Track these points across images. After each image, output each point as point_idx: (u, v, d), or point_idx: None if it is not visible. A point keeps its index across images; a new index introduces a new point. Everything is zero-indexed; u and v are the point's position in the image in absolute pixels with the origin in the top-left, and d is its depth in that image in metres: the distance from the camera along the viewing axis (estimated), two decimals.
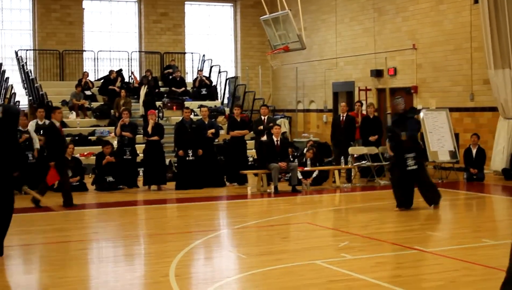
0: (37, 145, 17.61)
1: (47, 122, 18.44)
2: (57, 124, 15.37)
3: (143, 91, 25.38)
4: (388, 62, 24.86)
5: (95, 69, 29.27)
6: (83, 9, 29.28)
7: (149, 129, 18.12)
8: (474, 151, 19.31)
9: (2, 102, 23.86)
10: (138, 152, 19.38)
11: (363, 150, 19.03)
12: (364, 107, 21.66)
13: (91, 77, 27.98)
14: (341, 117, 19.49)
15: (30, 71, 26.54)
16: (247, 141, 20.04)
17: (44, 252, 10.73)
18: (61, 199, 15.15)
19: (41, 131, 18.03)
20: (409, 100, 23.81)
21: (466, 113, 21.81)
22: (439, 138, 19.89)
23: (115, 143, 19.38)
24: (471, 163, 19.21)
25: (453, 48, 22.19)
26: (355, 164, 19.09)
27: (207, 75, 29.43)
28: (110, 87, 26.50)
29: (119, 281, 8.74)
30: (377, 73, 25.11)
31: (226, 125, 20.99)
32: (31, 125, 18.12)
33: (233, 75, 30.86)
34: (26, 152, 17.30)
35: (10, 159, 10.11)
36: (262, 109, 19.99)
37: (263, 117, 19.59)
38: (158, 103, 25.86)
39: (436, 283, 8.28)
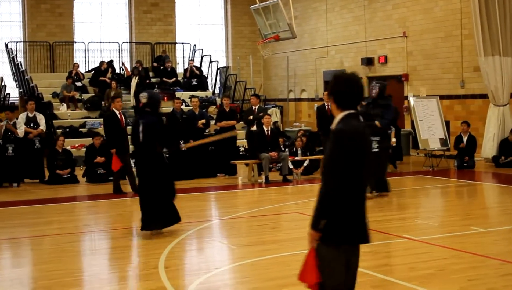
0: (21, 135, 17.64)
1: (37, 114, 18.43)
2: (117, 112, 15.65)
3: (134, 82, 25.34)
4: (379, 50, 24.87)
5: (85, 61, 29.20)
6: (73, 0, 29.17)
7: None
8: (465, 139, 19.33)
9: None
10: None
11: None
12: None
13: (82, 69, 27.92)
14: (327, 106, 19.41)
15: (21, 63, 26.48)
16: (237, 131, 20.00)
17: (34, 246, 10.74)
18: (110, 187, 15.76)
19: (31, 123, 18.02)
20: (399, 88, 23.84)
21: (457, 101, 21.85)
22: (429, 125, 19.93)
23: None
24: (462, 151, 19.23)
25: (444, 36, 22.20)
26: None
27: (198, 65, 29.38)
28: (101, 78, 26.44)
29: (109, 274, 8.76)
30: (368, 61, 25.13)
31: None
32: (21, 117, 18.06)
33: (224, 65, 30.83)
34: (7, 144, 17.32)
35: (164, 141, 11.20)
36: (252, 99, 19.91)
37: (253, 107, 19.55)
38: None
39: (425, 272, 8.31)
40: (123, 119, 15.85)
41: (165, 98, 26.15)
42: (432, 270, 8.36)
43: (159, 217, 10.78)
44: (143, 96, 11.05)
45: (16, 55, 27.11)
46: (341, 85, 5.46)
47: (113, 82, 25.11)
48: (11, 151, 17.42)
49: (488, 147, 19.79)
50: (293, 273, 8.46)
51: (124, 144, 15.52)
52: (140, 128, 10.91)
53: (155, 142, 10.90)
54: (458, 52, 21.72)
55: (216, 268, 8.83)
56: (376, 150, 13.74)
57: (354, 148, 5.18)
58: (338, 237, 5.24)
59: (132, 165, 15.16)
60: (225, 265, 9.12)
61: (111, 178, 17.87)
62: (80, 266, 9.41)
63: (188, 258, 9.81)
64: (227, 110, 19.14)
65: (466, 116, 21.29)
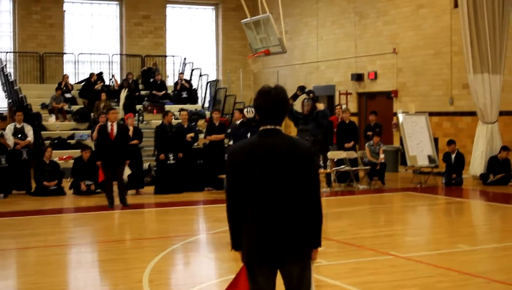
0: (11, 146, 17.56)
1: (25, 125, 18.36)
2: (109, 124, 15.63)
3: (123, 94, 25.27)
4: (369, 66, 24.92)
5: (75, 72, 29.16)
6: (64, 11, 29.18)
7: (130, 133, 17.99)
8: (453, 156, 19.33)
9: None
10: None
11: (342, 154, 19.01)
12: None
13: (72, 80, 27.87)
14: None
15: (10, 74, 26.41)
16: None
17: (19, 258, 10.66)
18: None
19: (19, 134, 17.95)
20: (389, 104, 23.88)
21: (446, 118, 21.90)
22: (418, 142, 19.94)
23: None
24: (450, 169, 19.23)
25: (433, 53, 22.28)
26: (334, 169, 19.05)
27: (188, 78, 29.36)
28: (95, 87, 26.39)
29: (94, 287, 8.70)
30: (358, 77, 25.18)
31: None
32: (9, 128, 17.97)
33: (214, 78, 30.82)
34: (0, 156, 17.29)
35: None
36: (236, 113, 19.71)
37: (237, 122, 19.43)
38: (138, 106, 25.75)
39: (411, 289, 8.28)
40: (114, 131, 15.71)
41: (155, 111, 26.12)
42: (418, 288, 8.33)
43: None
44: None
45: (5, 65, 27.03)
46: (259, 99, 5.14)
47: (102, 94, 25.02)
48: (4, 162, 17.35)
49: (476, 165, 19.79)
50: (279, 288, 8.42)
51: (114, 157, 15.44)
52: None
53: None
54: (447, 69, 21.78)
55: (202, 282, 8.77)
56: None
57: (232, 166, 5.02)
58: (242, 254, 5.17)
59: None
60: (211, 280, 9.06)
61: (98, 190, 17.85)
62: (65, 279, 9.34)
63: (173, 272, 9.75)
64: (217, 124, 19.04)
65: (455, 133, 21.34)
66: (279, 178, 4.97)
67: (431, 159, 19.81)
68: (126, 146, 16.18)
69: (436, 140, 20.74)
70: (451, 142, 19.52)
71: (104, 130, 15.53)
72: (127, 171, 16.17)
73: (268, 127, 5.11)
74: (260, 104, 5.10)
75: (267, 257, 5.04)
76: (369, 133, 20.14)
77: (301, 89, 14.10)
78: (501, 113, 19.80)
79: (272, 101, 5.09)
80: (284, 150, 5.04)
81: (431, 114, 21.56)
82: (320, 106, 13.38)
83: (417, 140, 19.95)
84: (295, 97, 14.24)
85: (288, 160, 5.01)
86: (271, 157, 5.00)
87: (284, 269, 5.14)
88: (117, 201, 15.66)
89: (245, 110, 11.22)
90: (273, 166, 4.99)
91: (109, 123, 15.56)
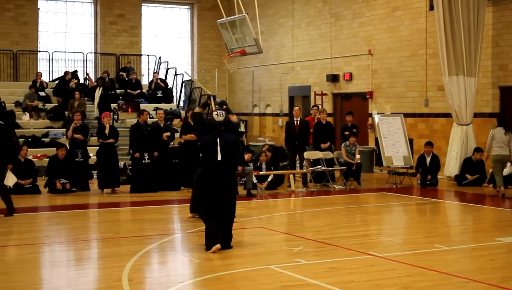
0: None
1: None
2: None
3: (98, 92, 25.15)
4: (344, 67, 25.00)
5: (49, 70, 28.97)
6: (39, 9, 28.98)
7: (107, 131, 17.91)
8: (428, 159, 19.41)
9: None
10: (91, 154, 19.26)
11: (318, 154, 19.06)
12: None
13: (46, 78, 27.69)
14: (295, 122, 19.44)
15: None
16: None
17: None
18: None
19: None
20: (364, 105, 23.98)
21: (421, 119, 22.03)
22: (393, 143, 20.05)
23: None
24: (426, 170, 19.33)
25: (409, 54, 22.40)
26: (310, 169, 19.09)
27: (163, 78, 29.28)
28: (68, 86, 26.21)
29: (71, 286, 8.63)
30: (333, 78, 25.26)
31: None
32: None
33: (189, 78, 30.75)
34: None
35: None
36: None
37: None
38: (113, 105, 25.63)
39: (389, 289, 8.30)
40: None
41: (129, 109, 26.03)
42: (396, 287, 8.36)
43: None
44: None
45: None
46: None
47: (76, 92, 24.84)
48: None
49: (451, 166, 19.93)
50: (258, 288, 8.44)
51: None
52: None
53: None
54: (422, 71, 21.92)
55: (180, 282, 8.74)
56: None
57: None
58: None
59: None
60: (189, 279, 9.03)
61: (74, 189, 17.76)
62: (41, 278, 9.25)
63: (152, 271, 9.70)
64: (192, 123, 18.99)
65: (430, 134, 21.48)
66: None
67: (406, 160, 19.92)
68: (10, 149, 14.59)
69: (411, 141, 20.86)
70: (428, 144, 19.60)
71: None
72: (11, 178, 15.54)
73: None
74: None
75: None
76: (346, 133, 20.21)
77: (213, 98, 13.77)
78: (476, 115, 19.97)
79: None
80: None
81: (406, 115, 21.69)
82: (234, 118, 12.94)
83: (393, 141, 20.06)
84: (205, 106, 14.04)
85: None
86: None
87: None
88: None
89: (214, 113, 11.09)
90: None
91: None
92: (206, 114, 13.74)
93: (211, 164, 10.78)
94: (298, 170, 19.40)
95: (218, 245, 10.39)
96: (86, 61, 29.58)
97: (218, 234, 10.48)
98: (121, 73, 28.87)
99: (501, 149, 17.33)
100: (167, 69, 29.80)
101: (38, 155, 21.75)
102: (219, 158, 10.74)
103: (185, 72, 28.72)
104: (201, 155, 11.54)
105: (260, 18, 21.02)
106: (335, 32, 25.42)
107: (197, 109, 14.06)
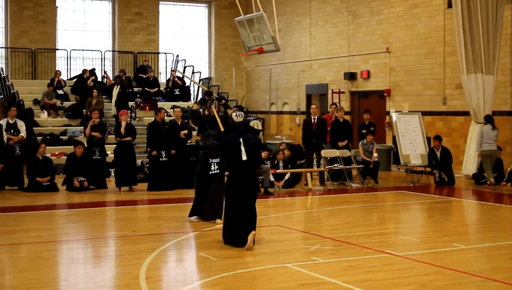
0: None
1: (17, 121, 18.28)
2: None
3: (115, 91, 25.23)
4: (362, 65, 24.94)
5: (67, 68, 29.07)
6: (57, 7, 29.08)
7: (122, 129, 17.99)
8: (438, 153, 19.33)
9: None
10: (108, 152, 19.32)
11: (336, 152, 19.03)
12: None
13: (64, 76, 27.79)
14: (313, 120, 19.43)
15: (2, 69, 26.29)
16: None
17: (12, 253, 10.59)
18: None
19: (12, 130, 17.88)
20: (382, 103, 23.91)
21: (438, 117, 21.93)
22: (411, 141, 19.99)
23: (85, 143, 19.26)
24: (437, 165, 19.25)
25: (426, 52, 22.31)
26: (327, 167, 19.05)
27: (181, 76, 29.30)
28: (86, 84, 26.31)
29: (89, 284, 8.65)
30: (351, 76, 25.19)
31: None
32: (1, 124, 17.88)
33: (206, 76, 30.78)
34: None
35: None
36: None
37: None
38: (131, 103, 25.70)
39: (407, 287, 8.28)
40: None
41: (147, 107, 26.09)
42: (414, 286, 8.33)
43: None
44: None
45: None
46: None
47: (94, 90, 24.91)
48: None
49: (469, 164, 19.82)
50: (275, 286, 8.43)
51: None
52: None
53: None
54: (440, 69, 21.82)
55: (198, 280, 8.76)
56: (216, 171, 12.97)
57: None
58: None
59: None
60: (206, 277, 9.03)
61: (91, 187, 17.83)
62: (58, 275, 9.29)
63: (169, 269, 9.72)
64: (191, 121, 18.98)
65: (448, 132, 21.39)
66: None
67: (424, 158, 19.84)
68: None
69: (429, 140, 20.77)
70: (437, 138, 19.51)
71: None
72: None
73: None
74: None
75: None
76: (364, 131, 20.15)
77: (209, 94, 13.75)
78: (494, 113, 19.83)
79: None
80: None
81: (424, 113, 21.61)
82: (230, 112, 12.86)
83: (410, 139, 20.00)
84: (203, 102, 13.96)
85: None
86: None
87: None
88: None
89: (234, 114, 11.06)
90: None
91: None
92: (203, 110, 13.66)
93: (236, 165, 10.83)
94: (315, 168, 19.37)
95: (254, 232, 10.52)
96: (104, 59, 29.68)
97: (248, 229, 10.54)
98: (140, 74, 28.85)
99: (489, 145, 18.60)
100: (185, 67, 29.79)
101: (56, 153, 21.86)
102: (244, 158, 10.78)
103: (178, 70, 28.63)
104: (221, 155, 11.63)
105: (277, 16, 21.05)
106: (352, 30, 25.35)
107: (194, 106, 14.01)
